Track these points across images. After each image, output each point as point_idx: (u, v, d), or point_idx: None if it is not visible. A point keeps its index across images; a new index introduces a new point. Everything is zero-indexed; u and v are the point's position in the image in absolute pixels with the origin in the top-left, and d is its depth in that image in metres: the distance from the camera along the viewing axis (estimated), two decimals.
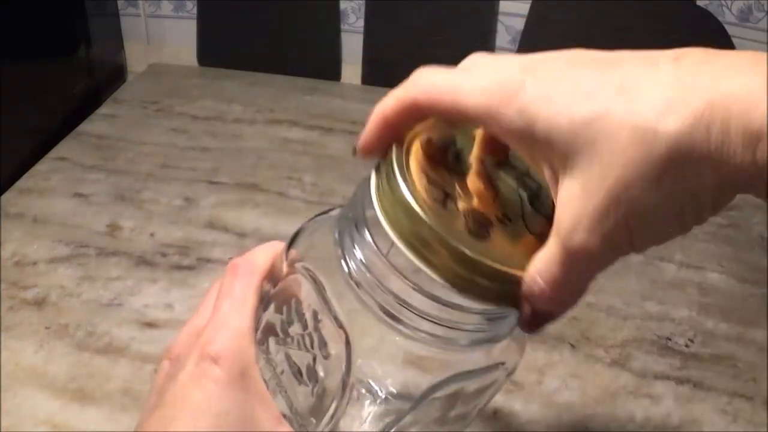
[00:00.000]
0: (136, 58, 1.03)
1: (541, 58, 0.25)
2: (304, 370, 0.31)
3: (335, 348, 0.29)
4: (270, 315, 0.32)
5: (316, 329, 0.30)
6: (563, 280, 0.24)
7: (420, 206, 0.24)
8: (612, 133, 0.21)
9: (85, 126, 0.86)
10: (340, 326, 0.28)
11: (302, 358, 0.31)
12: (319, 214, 0.32)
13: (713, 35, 0.84)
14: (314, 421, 0.30)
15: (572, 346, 0.58)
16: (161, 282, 0.63)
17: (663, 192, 0.21)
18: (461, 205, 0.26)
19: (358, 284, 0.26)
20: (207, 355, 0.30)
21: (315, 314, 0.30)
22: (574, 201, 0.23)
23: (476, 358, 0.29)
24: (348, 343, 0.28)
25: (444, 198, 0.26)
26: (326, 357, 0.30)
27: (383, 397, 0.31)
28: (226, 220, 0.71)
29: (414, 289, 0.25)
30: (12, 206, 0.72)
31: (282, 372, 0.32)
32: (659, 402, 0.54)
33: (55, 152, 0.81)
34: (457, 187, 0.27)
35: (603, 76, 0.23)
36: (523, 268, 0.25)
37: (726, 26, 0.83)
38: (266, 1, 0.95)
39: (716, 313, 0.62)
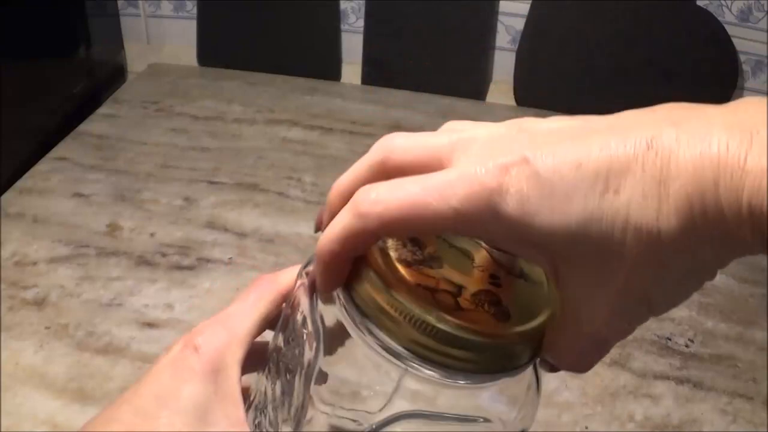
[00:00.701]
0: (136, 58, 1.02)
1: (516, 146, 0.22)
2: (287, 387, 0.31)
3: (308, 353, 0.28)
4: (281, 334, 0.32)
5: (301, 338, 0.29)
6: (588, 362, 0.25)
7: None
8: (614, 233, 0.21)
9: (85, 126, 0.86)
10: (314, 322, 0.28)
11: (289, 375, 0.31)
12: None
13: (713, 35, 0.84)
14: None
15: None
16: (161, 282, 0.63)
17: (677, 272, 0.21)
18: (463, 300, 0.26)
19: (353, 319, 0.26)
20: (190, 344, 0.32)
21: (304, 320, 0.29)
22: (588, 293, 0.23)
23: (453, 402, 0.28)
24: (318, 340, 0.27)
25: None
26: (301, 366, 0.29)
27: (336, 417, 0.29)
28: (226, 220, 0.71)
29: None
30: (12, 206, 0.72)
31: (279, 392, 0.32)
32: (659, 402, 0.54)
33: (55, 152, 0.81)
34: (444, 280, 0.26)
35: (585, 170, 0.21)
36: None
37: (726, 26, 0.83)
38: (266, 1, 0.95)
39: (716, 313, 0.62)
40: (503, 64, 0.93)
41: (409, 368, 0.25)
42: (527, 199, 0.21)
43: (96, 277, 0.64)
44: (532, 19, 0.89)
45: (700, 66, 0.85)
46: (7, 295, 0.62)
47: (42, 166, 0.79)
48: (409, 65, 0.95)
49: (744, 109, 0.20)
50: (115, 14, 1.00)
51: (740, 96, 0.87)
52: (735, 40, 0.84)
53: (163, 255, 0.66)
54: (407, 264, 0.26)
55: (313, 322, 0.28)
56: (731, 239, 0.20)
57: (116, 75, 1.01)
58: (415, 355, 0.24)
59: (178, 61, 1.01)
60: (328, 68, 0.97)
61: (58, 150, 0.82)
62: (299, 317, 0.29)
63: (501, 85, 0.93)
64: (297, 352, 0.30)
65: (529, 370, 0.28)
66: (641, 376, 0.55)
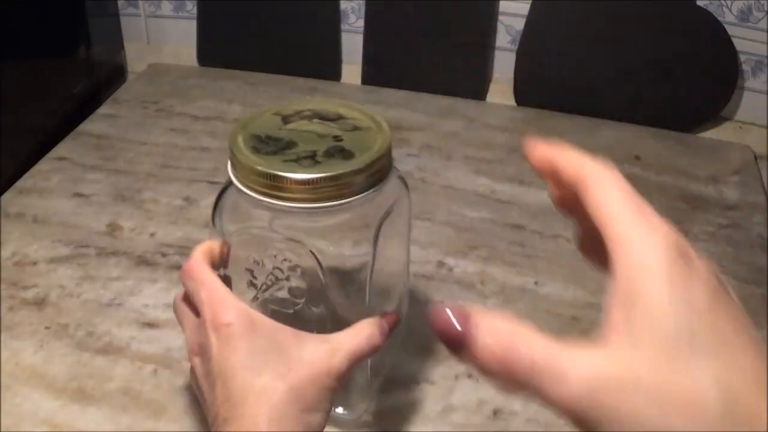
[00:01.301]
0: (136, 58, 1.02)
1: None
2: (287, 294, 0.45)
3: (301, 259, 0.43)
4: (238, 282, 0.46)
5: (281, 260, 0.44)
6: None
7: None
8: None
9: (85, 126, 0.86)
10: (291, 239, 0.43)
11: (281, 288, 0.45)
12: (220, 193, 0.46)
13: (713, 35, 0.84)
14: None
15: None
16: (161, 282, 0.63)
17: None
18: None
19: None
20: (220, 325, 0.38)
21: (273, 255, 0.44)
22: None
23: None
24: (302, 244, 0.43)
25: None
26: (298, 269, 0.44)
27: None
28: None
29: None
30: (12, 206, 0.72)
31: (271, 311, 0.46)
32: None
33: (55, 152, 0.81)
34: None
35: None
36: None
37: (726, 26, 0.83)
38: (266, 1, 0.95)
39: None
40: (503, 64, 0.93)
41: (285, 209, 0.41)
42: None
43: (96, 277, 0.64)
44: (532, 19, 0.89)
45: (700, 66, 0.85)
46: (7, 295, 0.62)
47: (42, 166, 0.79)
48: (409, 65, 0.95)
49: None
50: (115, 14, 1.00)
51: (740, 96, 0.87)
52: (735, 40, 0.84)
53: (163, 255, 0.66)
54: (273, 153, 0.42)
55: (289, 239, 0.43)
56: None
57: (116, 75, 1.01)
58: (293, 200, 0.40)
59: (178, 61, 1.01)
60: (328, 68, 0.97)
61: (58, 150, 0.82)
62: (260, 258, 0.45)
63: (501, 85, 0.93)
64: (277, 273, 0.45)
65: (373, 211, 0.44)
66: None
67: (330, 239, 0.43)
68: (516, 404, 0.53)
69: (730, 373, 0.21)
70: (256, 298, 0.47)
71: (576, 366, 0.22)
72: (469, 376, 0.55)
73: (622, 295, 0.23)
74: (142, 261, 0.66)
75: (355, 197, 0.41)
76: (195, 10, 0.98)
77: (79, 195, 0.74)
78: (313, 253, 0.43)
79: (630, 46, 0.86)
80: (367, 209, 0.43)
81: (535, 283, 0.64)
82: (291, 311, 0.46)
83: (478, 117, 0.89)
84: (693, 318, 0.22)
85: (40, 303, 0.61)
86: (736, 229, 0.72)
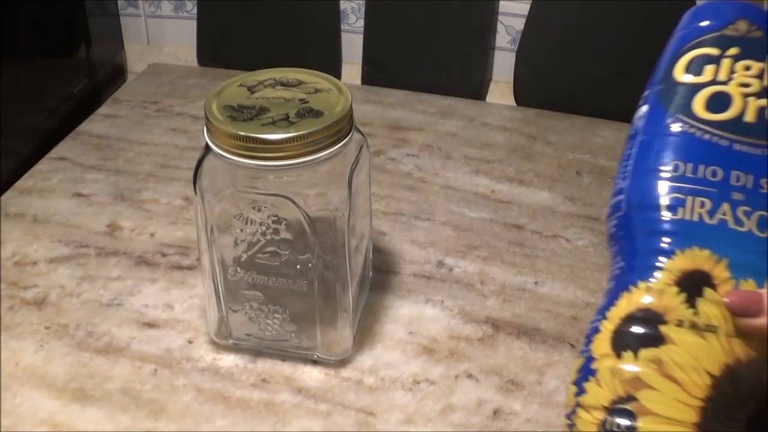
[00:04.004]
0: (136, 58, 1.02)
1: None
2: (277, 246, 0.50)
3: (286, 212, 0.49)
4: (226, 240, 0.51)
5: (266, 216, 0.49)
6: None
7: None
8: None
9: (85, 126, 0.86)
10: (276, 195, 0.48)
11: (269, 242, 0.50)
12: (198, 162, 0.50)
13: None
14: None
15: (572, 346, 0.58)
16: (161, 282, 0.63)
17: None
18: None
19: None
20: None
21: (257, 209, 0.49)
22: None
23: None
24: (291, 199, 0.48)
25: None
26: (284, 222, 0.49)
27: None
28: None
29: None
30: (12, 206, 0.72)
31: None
32: None
33: (55, 152, 0.81)
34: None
35: None
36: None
37: None
38: (266, 1, 0.95)
39: None
40: (503, 64, 0.93)
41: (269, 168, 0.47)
42: None
43: (96, 277, 0.64)
44: (532, 19, 0.89)
45: None
46: (7, 295, 0.62)
47: (42, 166, 0.79)
48: (409, 65, 0.95)
49: None
50: (115, 14, 1.00)
51: None
52: None
53: (163, 255, 0.67)
54: (250, 119, 0.47)
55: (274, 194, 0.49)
56: None
57: (116, 75, 1.01)
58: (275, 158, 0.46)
59: (178, 61, 1.01)
60: (328, 68, 0.97)
61: (58, 150, 0.82)
62: (247, 214, 0.50)
63: (501, 85, 0.93)
64: (263, 230, 0.50)
65: (342, 163, 0.50)
66: None
67: (312, 190, 0.48)
68: (516, 404, 0.53)
69: None
70: (244, 254, 0.51)
71: None
72: (469, 376, 0.55)
73: None
74: (142, 261, 0.66)
75: (334, 147, 0.47)
76: (195, 10, 0.98)
77: (79, 195, 0.74)
78: (298, 205, 0.48)
79: (630, 46, 0.86)
80: (340, 159, 0.49)
81: (535, 282, 0.64)
82: (277, 263, 0.51)
83: (478, 117, 0.89)
84: None
85: (40, 303, 0.61)
86: None
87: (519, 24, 0.90)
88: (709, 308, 0.32)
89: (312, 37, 0.96)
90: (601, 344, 0.34)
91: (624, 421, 0.31)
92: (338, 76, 0.97)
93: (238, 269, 0.52)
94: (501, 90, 0.93)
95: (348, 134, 0.49)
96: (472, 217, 0.72)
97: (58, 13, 0.88)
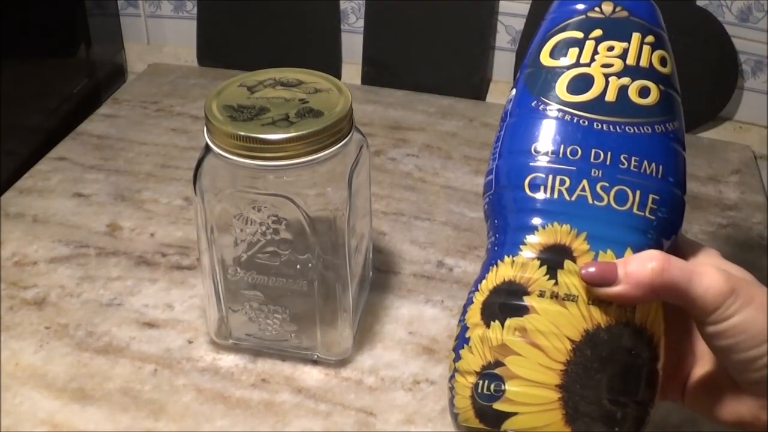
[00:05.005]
0: (136, 58, 1.02)
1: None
2: (277, 247, 0.50)
3: (286, 212, 0.49)
4: (225, 240, 0.51)
5: (266, 216, 0.49)
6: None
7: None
8: None
9: (85, 126, 0.86)
10: (276, 195, 0.48)
11: (269, 242, 0.50)
12: (198, 163, 0.50)
13: (713, 35, 0.84)
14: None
15: None
16: (161, 282, 0.63)
17: None
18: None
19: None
20: None
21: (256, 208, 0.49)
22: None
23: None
24: (291, 200, 0.48)
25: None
26: (284, 222, 0.49)
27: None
28: None
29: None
30: (12, 206, 0.72)
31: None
32: (659, 402, 0.53)
33: (55, 152, 0.81)
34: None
35: None
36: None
37: (726, 26, 0.83)
38: (266, 1, 0.95)
39: None
40: (503, 64, 0.93)
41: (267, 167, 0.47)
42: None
43: (96, 277, 0.64)
44: (532, 19, 0.89)
45: (699, 66, 0.85)
46: (7, 295, 0.62)
47: (42, 166, 0.79)
48: (409, 65, 0.95)
49: None
50: (115, 14, 1.00)
51: (740, 96, 0.87)
52: (735, 40, 0.84)
53: (163, 255, 0.67)
54: (250, 119, 0.47)
55: (275, 194, 0.49)
56: None
57: (116, 75, 1.01)
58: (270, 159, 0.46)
59: (178, 61, 1.01)
60: (328, 68, 0.97)
61: (58, 150, 0.82)
62: (247, 214, 0.50)
63: (501, 85, 0.93)
64: (263, 230, 0.50)
65: (342, 162, 0.49)
66: None
67: (312, 190, 0.48)
68: None
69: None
70: (244, 254, 0.51)
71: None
72: None
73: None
74: (142, 261, 0.66)
75: (334, 147, 0.47)
76: (195, 10, 0.98)
77: (79, 195, 0.74)
78: (298, 205, 0.48)
79: None
80: (340, 159, 0.49)
81: None
82: (277, 263, 0.51)
83: (478, 117, 0.89)
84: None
85: (40, 303, 0.61)
86: (736, 229, 0.72)
87: (519, 24, 0.90)
88: (569, 279, 0.34)
89: (312, 37, 0.96)
90: (473, 314, 0.37)
91: (493, 384, 0.35)
92: (338, 76, 0.97)
93: (238, 269, 0.52)
94: (501, 90, 0.93)
95: (348, 134, 0.49)
96: (472, 217, 0.72)
97: (58, 13, 0.88)
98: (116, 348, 0.57)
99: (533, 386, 0.34)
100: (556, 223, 0.35)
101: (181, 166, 0.79)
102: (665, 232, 0.36)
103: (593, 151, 0.36)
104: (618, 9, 0.38)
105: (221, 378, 0.55)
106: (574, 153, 0.36)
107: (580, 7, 0.39)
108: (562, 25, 0.39)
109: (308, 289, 0.52)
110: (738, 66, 0.85)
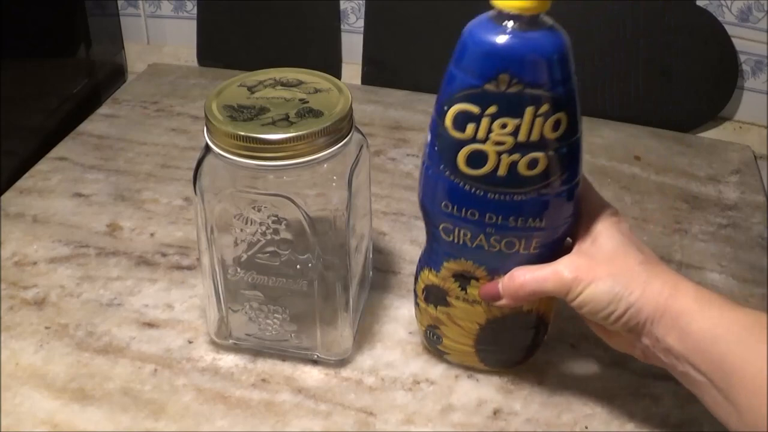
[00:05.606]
0: (136, 58, 1.02)
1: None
2: (276, 247, 0.51)
3: (286, 212, 0.49)
4: (225, 241, 0.51)
5: (266, 216, 0.49)
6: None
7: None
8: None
9: (85, 126, 0.86)
10: (276, 195, 0.48)
11: (269, 242, 0.51)
12: (198, 163, 0.50)
13: (713, 35, 0.84)
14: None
15: (572, 346, 0.58)
16: (161, 282, 0.63)
17: None
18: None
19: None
20: None
21: (257, 209, 0.49)
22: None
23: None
24: (291, 200, 0.48)
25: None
26: (284, 222, 0.49)
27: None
28: None
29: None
30: (12, 206, 0.72)
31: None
32: (659, 402, 0.54)
33: (55, 152, 0.81)
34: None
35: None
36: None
37: (726, 26, 0.83)
38: (266, 1, 0.95)
39: None
40: None
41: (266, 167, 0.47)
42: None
43: (96, 277, 0.64)
44: None
45: (699, 66, 0.85)
46: (7, 295, 0.62)
47: (42, 166, 0.79)
48: (409, 65, 0.94)
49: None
50: (115, 14, 1.00)
51: (740, 96, 0.87)
52: (735, 40, 0.84)
53: (163, 255, 0.67)
54: (250, 119, 0.47)
55: (275, 194, 0.49)
56: None
57: (116, 75, 1.01)
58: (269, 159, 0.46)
59: (178, 61, 1.01)
60: (328, 68, 0.97)
61: (58, 150, 0.82)
62: (248, 214, 0.50)
63: None
64: (263, 229, 0.50)
65: (342, 164, 0.50)
66: (641, 376, 0.55)
67: (312, 190, 0.49)
68: (516, 404, 0.53)
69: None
70: (244, 254, 0.51)
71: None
72: (469, 376, 0.55)
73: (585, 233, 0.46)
74: (142, 261, 0.66)
75: (334, 147, 0.48)
76: (195, 10, 0.98)
77: (79, 195, 0.74)
78: (298, 205, 0.48)
79: (629, 46, 0.86)
80: (340, 159, 0.49)
81: None
82: (278, 263, 0.51)
83: None
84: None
85: (40, 303, 0.61)
86: (736, 229, 0.72)
87: None
88: (474, 291, 0.49)
89: (312, 37, 0.96)
90: (419, 290, 0.53)
91: (434, 336, 0.54)
92: (338, 76, 0.97)
93: (238, 269, 0.52)
94: None
95: (348, 134, 0.49)
96: None
97: (58, 13, 0.88)
98: (116, 348, 0.57)
99: (458, 344, 0.53)
100: (462, 259, 0.48)
101: (181, 166, 0.79)
102: (553, 246, 0.47)
103: (487, 215, 0.45)
104: (514, 82, 0.41)
105: (221, 378, 0.55)
106: (473, 215, 0.45)
107: (477, 81, 0.42)
108: (463, 93, 0.42)
109: (308, 289, 0.52)
110: (738, 66, 0.85)
